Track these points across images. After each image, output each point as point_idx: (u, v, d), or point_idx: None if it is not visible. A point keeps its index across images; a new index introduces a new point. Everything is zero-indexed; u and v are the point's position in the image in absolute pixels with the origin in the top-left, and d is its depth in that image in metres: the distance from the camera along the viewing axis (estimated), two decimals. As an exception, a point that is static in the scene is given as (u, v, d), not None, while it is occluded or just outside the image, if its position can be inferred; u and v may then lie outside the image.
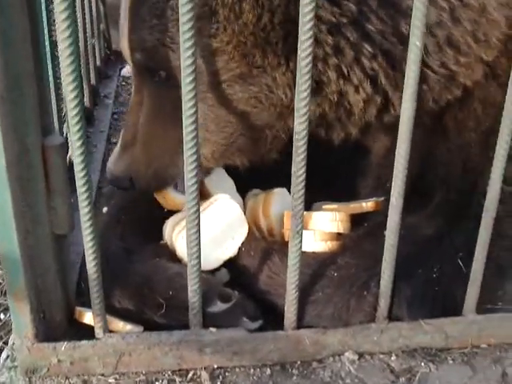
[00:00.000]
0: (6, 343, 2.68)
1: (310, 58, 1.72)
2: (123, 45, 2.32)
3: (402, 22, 2.06)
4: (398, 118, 2.18)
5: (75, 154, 1.84)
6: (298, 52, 1.73)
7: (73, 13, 1.65)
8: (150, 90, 2.30)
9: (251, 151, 2.40)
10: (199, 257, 2.02)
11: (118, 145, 2.44)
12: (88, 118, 3.29)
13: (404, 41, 2.03)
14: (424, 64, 2.07)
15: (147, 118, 2.33)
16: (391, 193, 1.97)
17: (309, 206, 2.35)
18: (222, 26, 2.08)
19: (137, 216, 2.49)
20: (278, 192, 2.50)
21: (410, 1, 1.96)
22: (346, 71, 2.11)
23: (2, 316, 2.86)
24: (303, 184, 1.91)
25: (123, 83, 3.96)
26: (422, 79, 2.02)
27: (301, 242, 2.01)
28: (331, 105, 2.20)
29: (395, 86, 2.16)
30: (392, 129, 2.29)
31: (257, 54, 2.11)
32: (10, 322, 2.83)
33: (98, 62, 3.69)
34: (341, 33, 2.06)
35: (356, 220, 2.44)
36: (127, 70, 4.05)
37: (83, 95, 1.80)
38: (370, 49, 2.08)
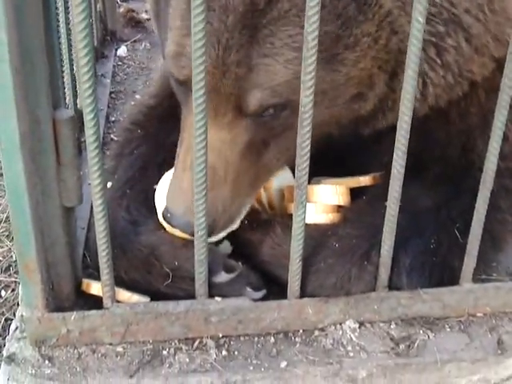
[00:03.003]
0: (7, 320, 2.72)
1: (316, 32, 1.76)
2: (226, 86, 2.07)
3: None
4: None
5: (86, 114, 1.86)
6: (305, 26, 1.76)
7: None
8: (247, 126, 2.14)
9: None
10: (206, 227, 2.06)
11: (189, 188, 2.08)
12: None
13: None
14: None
15: (240, 156, 2.19)
16: (393, 164, 2.01)
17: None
18: (363, 54, 2.09)
19: (141, 189, 2.51)
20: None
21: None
22: None
23: (3, 293, 2.89)
24: (308, 156, 1.94)
25: (119, 63, 3.99)
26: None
27: (304, 212, 2.05)
28: None
29: None
30: None
31: (377, 81, 2.18)
32: (11, 298, 2.88)
33: (96, 43, 3.71)
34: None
35: (354, 194, 2.46)
36: (123, 50, 4.09)
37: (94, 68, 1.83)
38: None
